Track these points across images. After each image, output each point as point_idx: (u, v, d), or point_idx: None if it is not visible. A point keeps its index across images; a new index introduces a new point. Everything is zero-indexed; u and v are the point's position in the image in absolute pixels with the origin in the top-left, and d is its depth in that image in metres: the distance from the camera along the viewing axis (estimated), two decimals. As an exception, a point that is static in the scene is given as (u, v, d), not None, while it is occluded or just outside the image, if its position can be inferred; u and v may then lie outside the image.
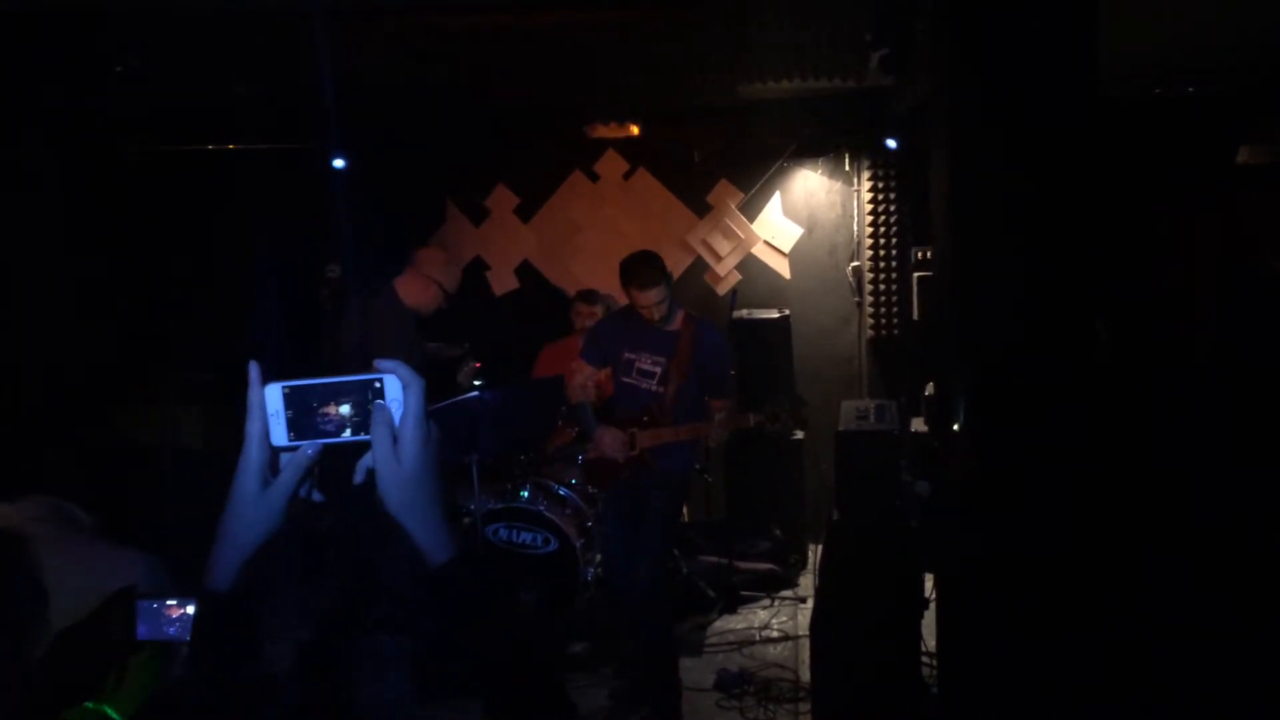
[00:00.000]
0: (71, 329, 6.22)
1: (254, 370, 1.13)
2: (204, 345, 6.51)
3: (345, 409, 1.14)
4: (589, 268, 7.02)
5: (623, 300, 4.71)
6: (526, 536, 5.25)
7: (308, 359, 5.24)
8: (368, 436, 1.13)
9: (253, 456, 1.12)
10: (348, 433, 1.14)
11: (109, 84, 5.66)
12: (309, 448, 1.13)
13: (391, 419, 1.12)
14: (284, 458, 1.14)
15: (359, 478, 1.13)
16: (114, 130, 6.58)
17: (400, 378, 1.13)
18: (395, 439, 1.11)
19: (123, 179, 6.72)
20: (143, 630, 1.83)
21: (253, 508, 1.11)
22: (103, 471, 5.78)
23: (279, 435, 1.13)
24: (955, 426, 3.49)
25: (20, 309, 5.94)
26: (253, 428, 1.12)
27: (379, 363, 1.14)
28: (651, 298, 4.33)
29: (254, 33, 5.07)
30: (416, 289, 4.99)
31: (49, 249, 6.19)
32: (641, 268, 4.34)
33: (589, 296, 6.03)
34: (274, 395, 1.13)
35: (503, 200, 7.30)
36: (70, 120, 6.26)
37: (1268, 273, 6.11)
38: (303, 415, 1.13)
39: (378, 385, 1.14)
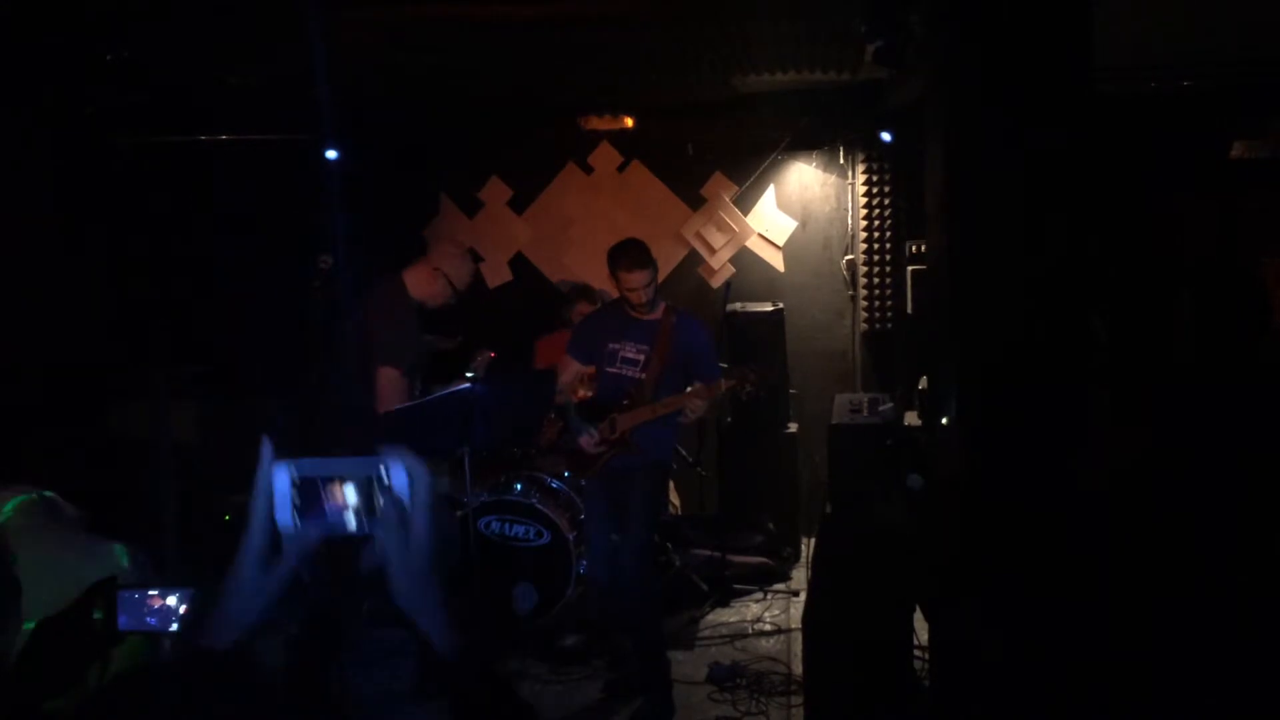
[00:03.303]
0: (64, 322, 6.19)
1: (266, 449, 1.11)
2: (198, 338, 6.49)
3: (351, 497, 1.13)
4: (582, 260, 7.01)
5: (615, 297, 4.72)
6: (519, 529, 5.24)
7: (299, 350, 5.21)
8: (370, 531, 1.13)
9: (255, 542, 1.12)
10: (352, 522, 1.14)
11: (101, 75, 5.64)
12: (313, 532, 1.13)
13: (404, 511, 1.11)
14: (286, 535, 1.14)
15: (364, 564, 1.14)
16: (106, 122, 6.55)
17: (406, 467, 1.13)
18: (406, 530, 1.11)
19: (115, 171, 6.68)
20: (124, 620, 1.82)
21: (253, 589, 1.12)
22: (95, 465, 5.77)
23: (284, 517, 1.13)
24: (944, 421, 3.49)
25: (12, 301, 5.91)
26: (258, 510, 1.12)
27: (385, 450, 1.13)
28: (639, 279, 4.37)
29: (246, 23, 5.04)
30: (425, 280, 4.81)
31: (41, 241, 6.16)
32: (631, 248, 4.43)
33: (585, 294, 6.01)
34: (282, 478, 1.13)
35: (496, 192, 7.29)
36: (63, 112, 6.23)
37: (1261, 266, 6.11)
38: (309, 499, 1.13)
39: (384, 471, 1.13)
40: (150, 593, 1.81)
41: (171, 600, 1.82)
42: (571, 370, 4.66)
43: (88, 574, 1.88)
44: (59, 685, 1.54)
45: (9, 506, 2.20)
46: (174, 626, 1.80)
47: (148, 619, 1.80)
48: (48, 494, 2.50)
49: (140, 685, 1.15)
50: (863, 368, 7.03)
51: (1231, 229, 6.36)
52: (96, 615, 1.69)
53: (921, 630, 4.06)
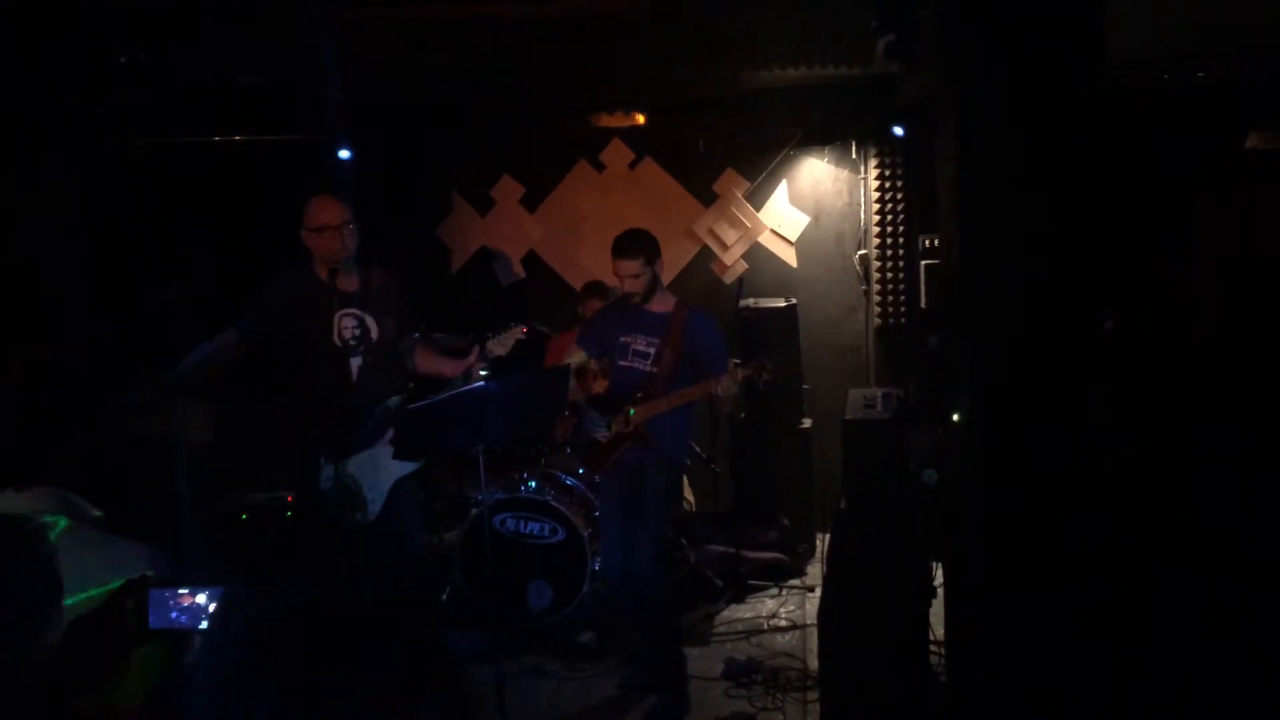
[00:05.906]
0: (79, 322, 6.22)
1: None
2: (210, 338, 6.51)
3: None
4: (594, 257, 7.02)
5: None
6: (534, 526, 5.26)
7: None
8: None
9: None
10: None
11: (114, 77, 5.66)
12: None
13: None
14: None
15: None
16: (119, 123, 6.58)
17: None
18: None
19: (128, 171, 6.72)
20: (155, 619, 1.83)
21: None
22: (110, 464, 5.81)
23: None
24: (955, 417, 3.49)
25: (28, 302, 5.95)
26: None
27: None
28: (626, 268, 4.38)
29: (257, 23, 5.06)
30: (320, 250, 4.26)
31: (55, 242, 6.19)
32: (621, 238, 4.45)
33: (598, 290, 6.01)
34: None
35: (508, 190, 7.30)
36: (75, 113, 6.26)
37: (1275, 259, 6.09)
38: None
39: None
40: (180, 591, 1.82)
41: (201, 598, 1.83)
42: (577, 357, 4.67)
43: (112, 575, 1.89)
44: (89, 684, 1.56)
45: (61, 528, 2.22)
46: (203, 624, 1.81)
47: (178, 617, 1.81)
48: (69, 494, 2.53)
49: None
50: (876, 363, 7.03)
51: (1246, 220, 6.33)
52: (127, 615, 1.71)
53: (937, 625, 4.06)
